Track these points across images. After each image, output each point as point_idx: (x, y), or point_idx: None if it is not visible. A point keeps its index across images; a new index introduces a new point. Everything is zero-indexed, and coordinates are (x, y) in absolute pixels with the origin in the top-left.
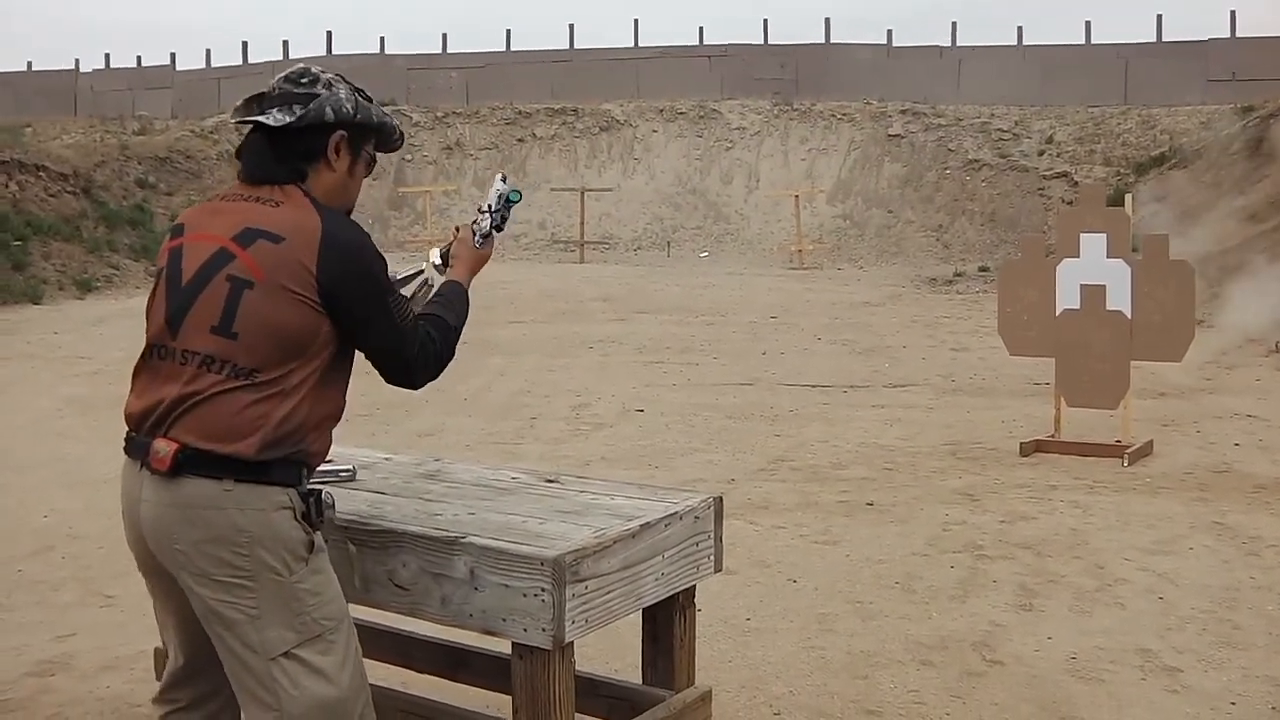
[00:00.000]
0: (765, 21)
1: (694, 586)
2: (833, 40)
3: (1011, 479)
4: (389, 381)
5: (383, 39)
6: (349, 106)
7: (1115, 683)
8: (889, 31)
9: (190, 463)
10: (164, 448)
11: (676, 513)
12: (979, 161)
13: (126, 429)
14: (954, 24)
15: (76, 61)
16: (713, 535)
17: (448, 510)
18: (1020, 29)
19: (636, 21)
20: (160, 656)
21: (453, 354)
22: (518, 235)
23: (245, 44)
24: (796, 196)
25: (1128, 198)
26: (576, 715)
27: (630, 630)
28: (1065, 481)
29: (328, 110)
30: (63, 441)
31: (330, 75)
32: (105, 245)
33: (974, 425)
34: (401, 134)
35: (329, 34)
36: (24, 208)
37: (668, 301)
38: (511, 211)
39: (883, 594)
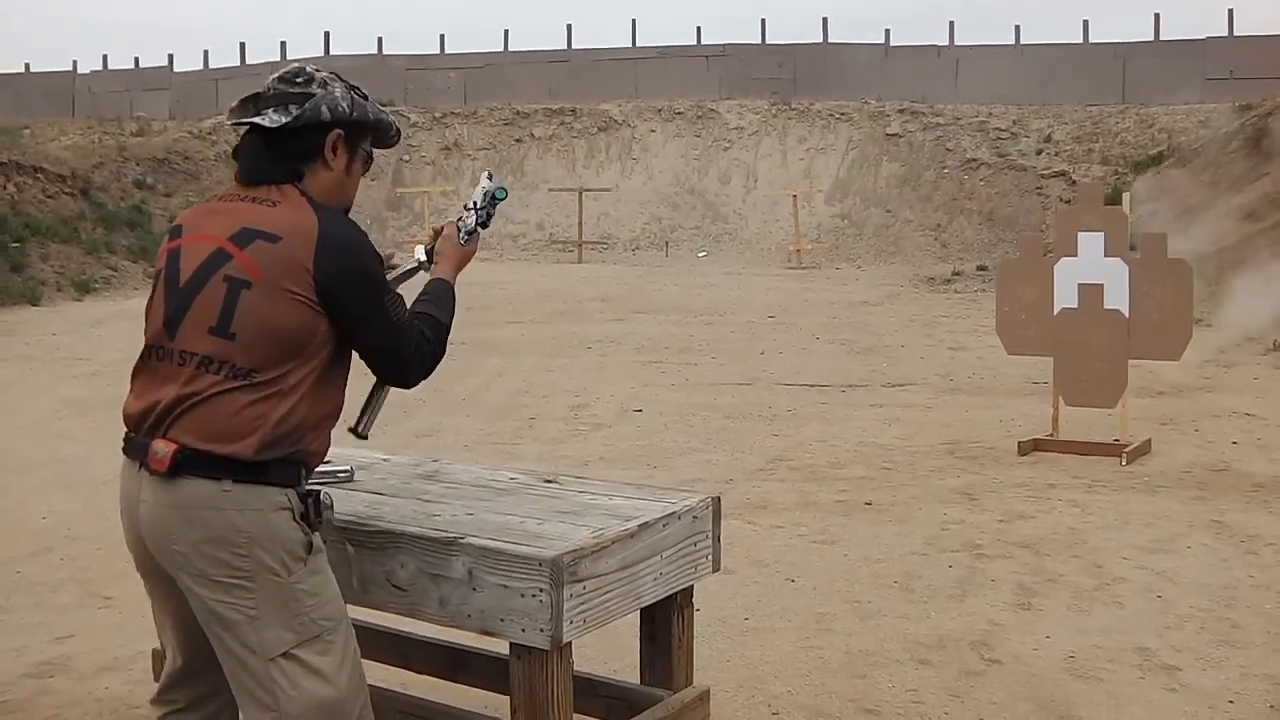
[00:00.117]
0: (763, 21)
1: (692, 586)
2: (830, 40)
3: (1010, 478)
4: (383, 381)
5: (380, 39)
6: (345, 105)
7: (1114, 681)
8: (887, 31)
9: (189, 463)
10: (162, 448)
11: (675, 513)
12: (977, 161)
13: (125, 430)
14: (951, 23)
15: (74, 63)
16: (711, 535)
17: (446, 511)
18: (1018, 28)
19: (634, 21)
20: (159, 657)
21: (444, 351)
22: (516, 235)
23: (243, 45)
24: (795, 196)
25: (1125, 196)
26: (575, 715)
27: (628, 630)
28: (1063, 480)
29: (323, 110)
30: (61, 443)
31: (325, 74)
32: (103, 246)
33: (972, 424)
34: (398, 130)
35: (327, 34)
36: (22, 209)
37: (666, 301)
38: (497, 209)
39: (881, 593)
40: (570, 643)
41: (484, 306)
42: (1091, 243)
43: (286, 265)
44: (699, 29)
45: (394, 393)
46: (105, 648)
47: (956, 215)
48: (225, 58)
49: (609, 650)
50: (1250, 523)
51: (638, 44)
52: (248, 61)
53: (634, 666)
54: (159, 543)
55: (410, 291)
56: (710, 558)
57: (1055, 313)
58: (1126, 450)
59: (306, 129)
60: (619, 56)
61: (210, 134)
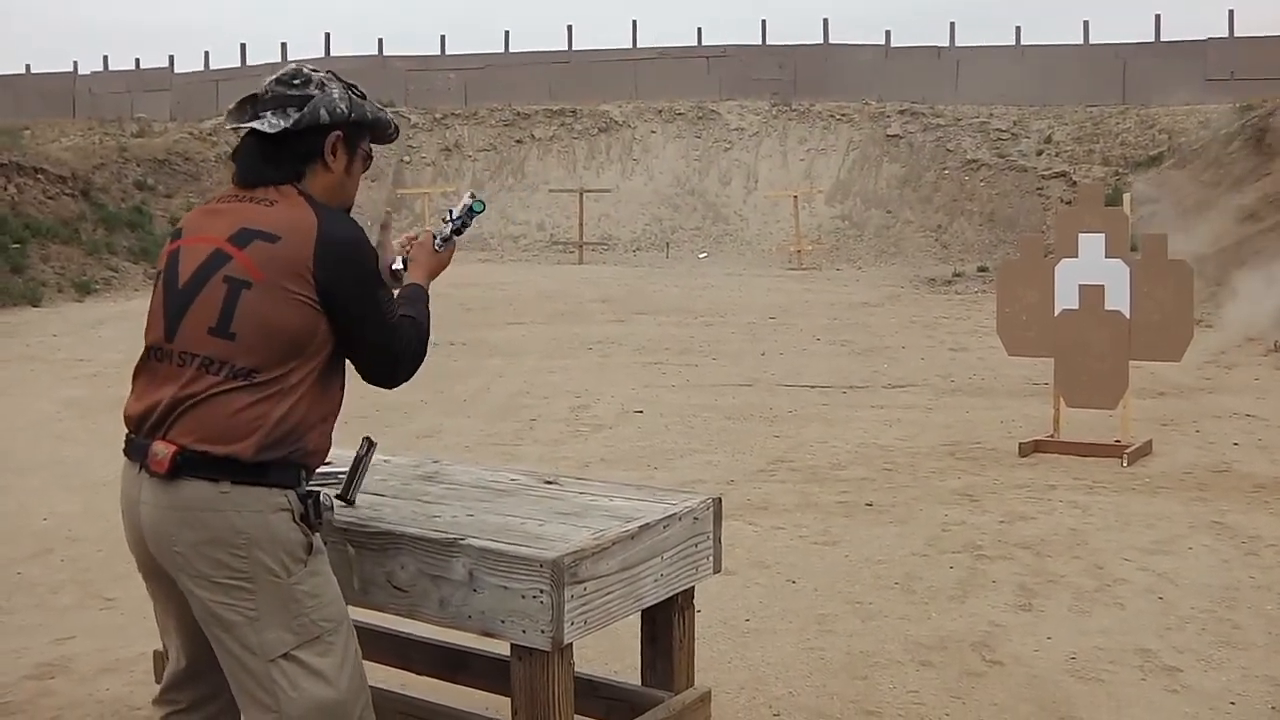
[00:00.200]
0: (764, 22)
1: (693, 587)
2: (831, 41)
3: (1010, 479)
4: (369, 380)
5: (381, 40)
6: (343, 106)
7: (1115, 683)
8: (887, 32)
9: (188, 465)
10: (162, 450)
11: (675, 514)
12: (977, 161)
13: (126, 431)
14: (952, 24)
15: (75, 63)
16: (712, 536)
17: (446, 512)
18: (1018, 29)
19: (635, 23)
20: (160, 659)
21: (426, 353)
22: (516, 236)
23: (244, 46)
24: (795, 197)
25: (1126, 197)
26: (575, 717)
27: (629, 631)
28: (1064, 481)
29: (322, 112)
30: (62, 444)
31: (322, 74)
32: (104, 247)
33: (973, 425)
34: (396, 127)
35: (327, 35)
36: (22, 210)
37: (666, 302)
38: (474, 220)
39: (882, 594)
40: (571, 644)
41: (484, 307)
42: (1092, 244)
43: (286, 265)
44: (699, 30)
45: (396, 394)
46: (106, 649)
47: (957, 216)
48: (226, 59)
49: (610, 651)
50: (1251, 524)
51: (638, 45)
52: (248, 62)
53: (635, 668)
54: (159, 544)
55: None
56: (711, 559)
57: (1056, 314)
58: (1127, 451)
59: (306, 132)
60: (619, 57)
61: (211, 135)
